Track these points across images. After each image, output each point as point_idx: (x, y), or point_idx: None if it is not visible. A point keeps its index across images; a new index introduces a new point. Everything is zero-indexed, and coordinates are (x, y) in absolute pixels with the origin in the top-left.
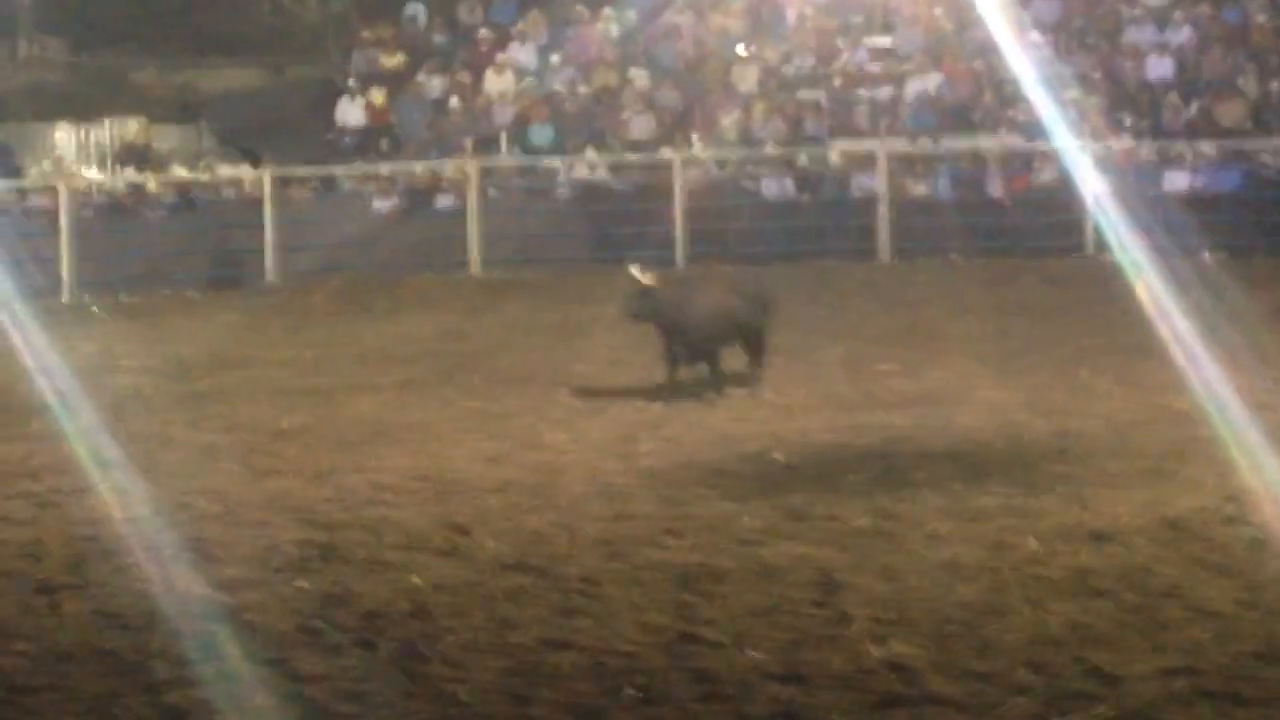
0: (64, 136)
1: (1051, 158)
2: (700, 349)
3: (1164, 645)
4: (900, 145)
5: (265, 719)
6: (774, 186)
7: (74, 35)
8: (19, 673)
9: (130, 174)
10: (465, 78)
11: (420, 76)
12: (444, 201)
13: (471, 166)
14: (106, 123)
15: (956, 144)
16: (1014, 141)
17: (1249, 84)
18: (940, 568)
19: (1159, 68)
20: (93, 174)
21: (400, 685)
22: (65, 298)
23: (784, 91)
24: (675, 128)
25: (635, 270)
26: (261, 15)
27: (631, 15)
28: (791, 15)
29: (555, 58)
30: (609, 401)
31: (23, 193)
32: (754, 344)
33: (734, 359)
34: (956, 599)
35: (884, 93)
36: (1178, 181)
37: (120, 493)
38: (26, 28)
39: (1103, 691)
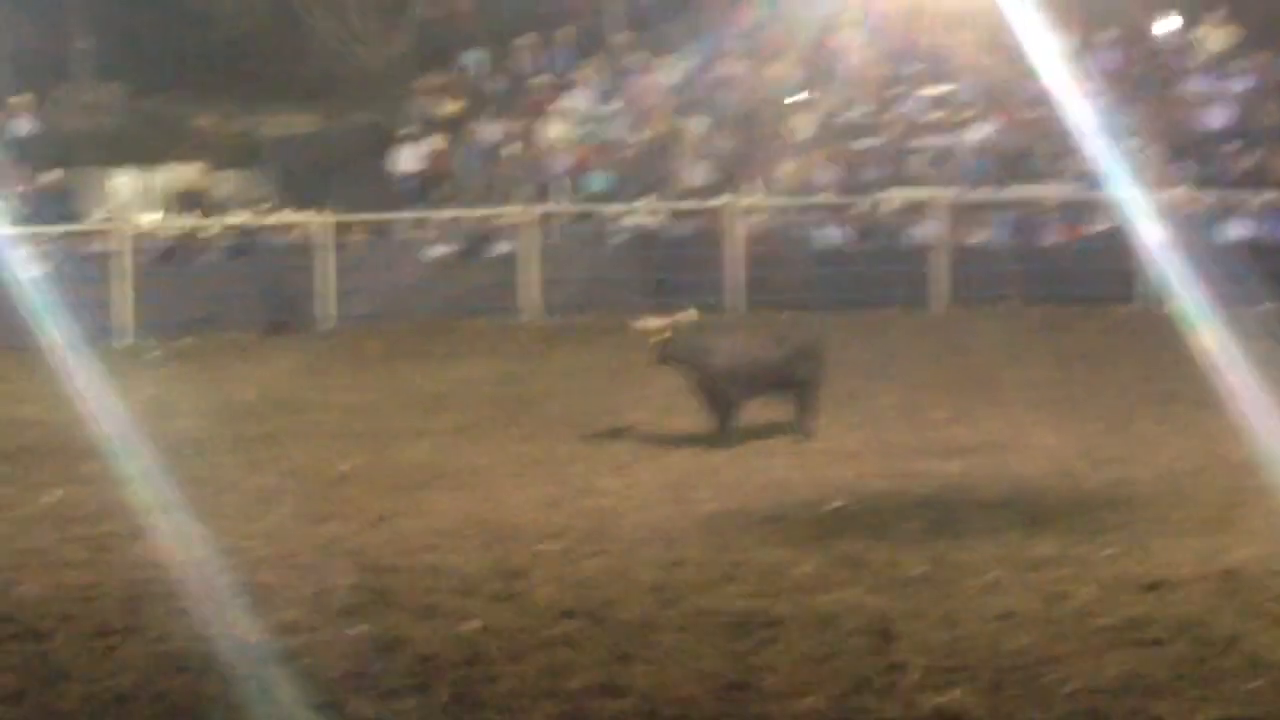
0: (123, 181)
1: (1109, 206)
2: (717, 397)
3: (1221, 696)
4: (957, 193)
5: None
6: (829, 234)
7: (133, 80)
8: (76, 715)
9: (188, 219)
10: (522, 124)
11: (478, 123)
12: (500, 247)
13: (528, 213)
14: (166, 167)
15: (1013, 192)
16: (1072, 190)
17: None
18: (996, 617)
19: (1217, 116)
20: (151, 218)
21: None
22: (122, 341)
23: (840, 139)
24: (731, 175)
25: (638, 323)
26: (320, 61)
27: (688, 63)
28: (848, 63)
29: (612, 105)
30: (664, 447)
31: (81, 237)
32: (800, 395)
33: (783, 409)
34: (1012, 648)
35: (941, 141)
36: (1236, 230)
37: (177, 536)
38: (86, 72)
39: None
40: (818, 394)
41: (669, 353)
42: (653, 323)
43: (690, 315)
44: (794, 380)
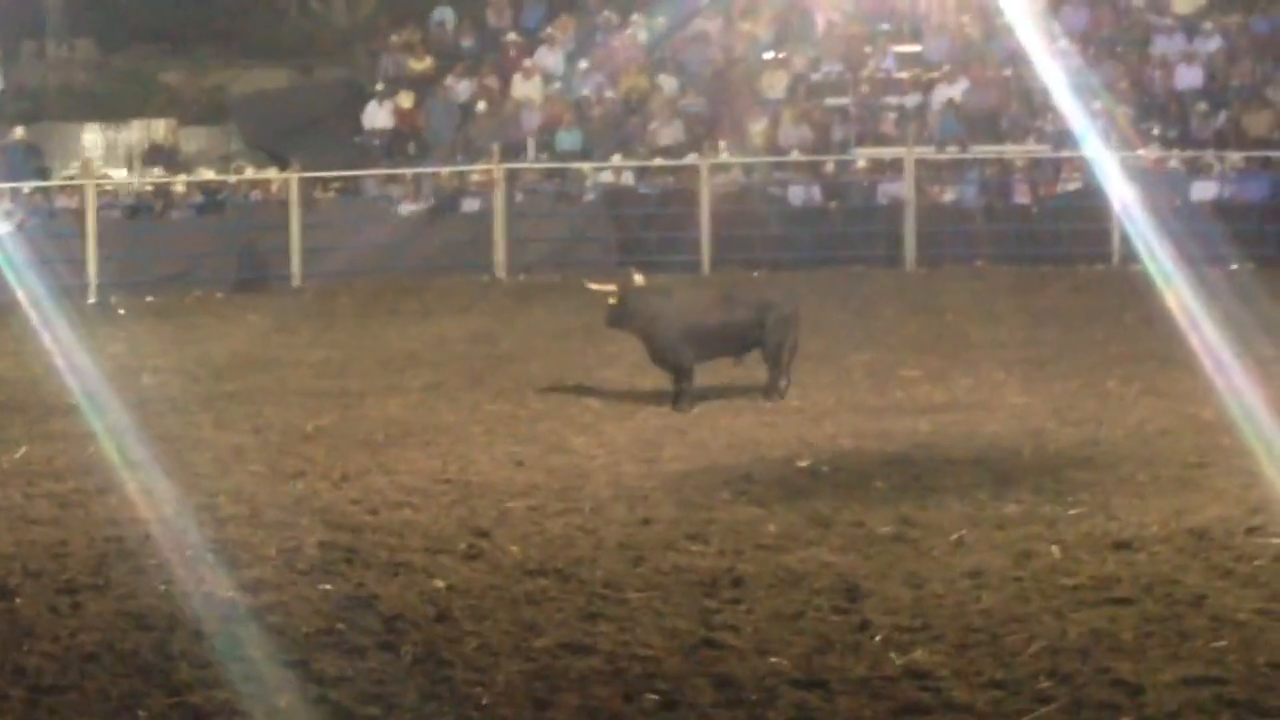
0: (92, 137)
1: (1079, 166)
2: (666, 359)
3: (1187, 654)
4: (927, 152)
5: None
6: (801, 193)
7: (103, 37)
8: (42, 672)
9: (157, 175)
10: (493, 82)
11: (448, 81)
12: (470, 205)
13: (498, 171)
14: (134, 124)
15: (984, 151)
16: (1042, 150)
17: (1277, 93)
18: (964, 576)
19: (1188, 77)
20: (120, 175)
21: (422, 688)
22: (92, 298)
23: (812, 98)
24: (703, 134)
25: (593, 285)
26: (290, 19)
27: (660, 21)
28: (820, 22)
29: (583, 63)
30: (634, 406)
31: (50, 193)
32: (768, 356)
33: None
34: (980, 607)
35: (911, 100)
36: (1206, 191)
37: (145, 493)
38: (55, 29)
39: (1125, 701)
40: (783, 356)
41: (617, 317)
42: (605, 286)
43: (636, 279)
44: (751, 342)
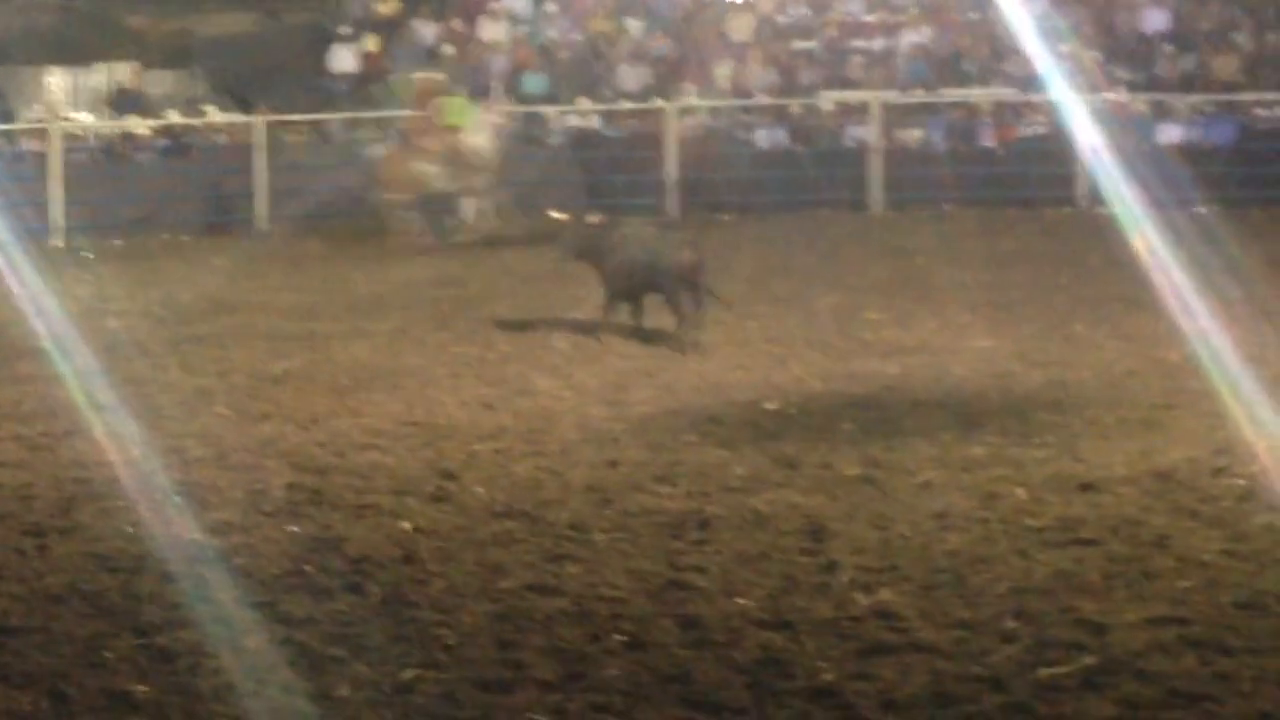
0: (56, 80)
1: (1045, 109)
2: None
3: (1151, 595)
4: (893, 96)
5: (254, 662)
6: (767, 136)
7: None
8: (7, 614)
9: (122, 118)
10: (459, 25)
11: (414, 23)
12: None
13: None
14: (99, 67)
15: (950, 95)
16: (1007, 93)
17: (1244, 37)
18: (930, 517)
19: (1154, 20)
20: (85, 118)
21: (388, 629)
22: (57, 241)
23: (778, 41)
24: (669, 77)
25: (553, 212)
26: None
27: None
28: None
29: (549, 6)
30: (601, 349)
31: (13, 136)
32: (669, 301)
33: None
34: (945, 548)
35: (878, 43)
36: (1172, 134)
37: (111, 436)
38: None
39: (1089, 640)
40: (680, 302)
41: (572, 248)
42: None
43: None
44: (657, 286)
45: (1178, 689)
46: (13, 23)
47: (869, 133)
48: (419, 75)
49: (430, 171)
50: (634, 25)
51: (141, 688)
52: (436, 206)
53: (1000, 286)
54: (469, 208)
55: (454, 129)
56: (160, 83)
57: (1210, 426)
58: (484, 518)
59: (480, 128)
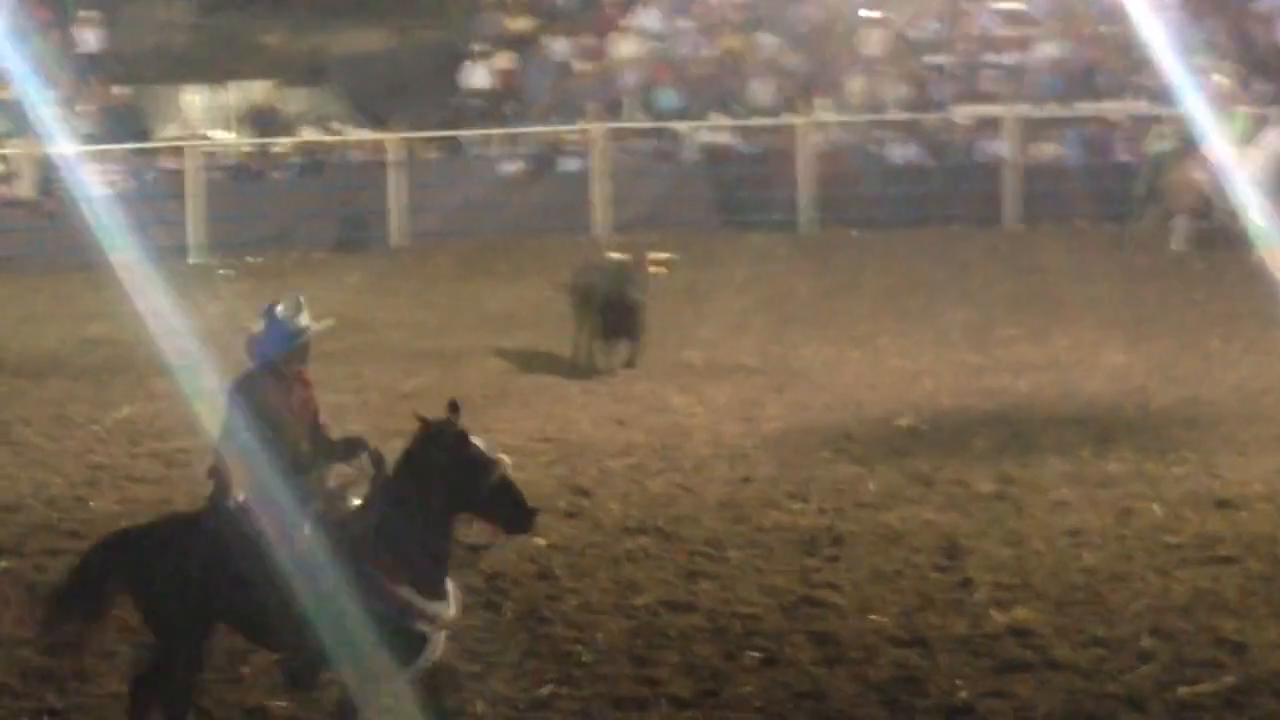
0: (191, 99)
1: (1180, 124)
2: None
3: None
4: (1027, 110)
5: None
6: (899, 151)
7: None
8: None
9: (257, 136)
10: (591, 41)
11: (546, 40)
12: (568, 165)
13: (597, 130)
14: (233, 85)
15: (1083, 109)
16: (1142, 106)
17: None
18: (1065, 534)
19: None
20: (220, 136)
21: (523, 645)
22: (192, 259)
23: (910, 55)
24: (801, 92)
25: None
26: None
27: None
28: None
29: (682, 21)
30: (732, 365)
31: (150, 155)
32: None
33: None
34: (1081, 565)
35: (1011, 57)
36: None
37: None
38: None
39: (1228, 659)
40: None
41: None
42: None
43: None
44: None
45: None
46: (148, 42)
47: (1002, 147)
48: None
49: (1213, 183)
50: (766, 40)
51: (280, 703)
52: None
53: (1134, 302)
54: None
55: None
56: (294, 100)
57: None
58: (618, 534)
59: (1263, 145)
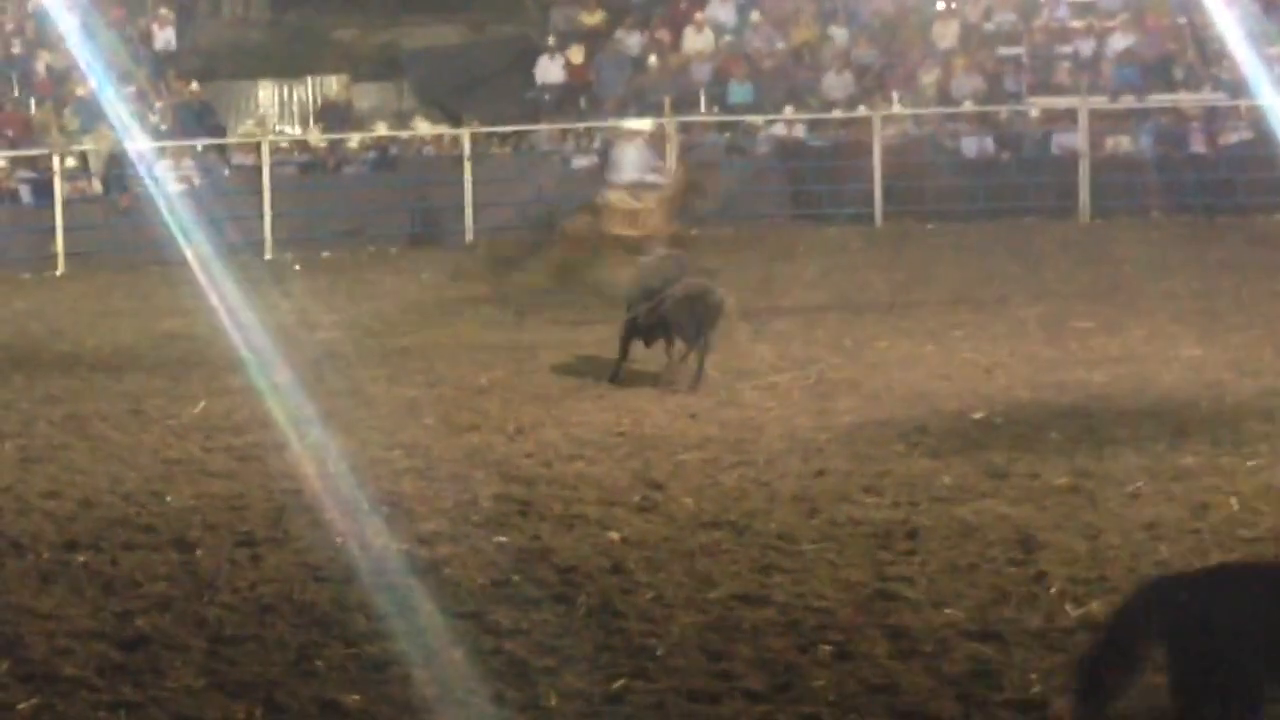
0: (266, 94)
1: (1255, 114)
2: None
3: None
4: (1101, 102)
5: (462, 672)
6: (973, 144)
7: None
8: (223, 623)
9: (331, 132)
10: (664, 35)
11: (619, 34)
12: None
13: (670, 124)
14: (308, 80)
15: (1158, 100)
16: (1217, 98)
17: None
18: (1140, 527)
19: None
20: (294, 132)
21: (596, 640)
22: (267, 255)
23: (984, 47)
24: (874, 85)
25: None
26: None
27: None
28: None
29: (754, 15)
30: (806, 357)
31: (225, 150)
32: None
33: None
34: (1156, 559)
35: (1085, 48)
36: None
37: (320, 448)
38: None
39: None
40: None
41: None
42: None
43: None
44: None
45: None
46: (222, 37)
47: (1076, 139)
48: None
49: None
50: (839, 33)
51: (353, 697)
52: None
53: (1209, 295)
54: None
55: None
56: (367, 96)
57: None
58: (691, 528)
59: None
